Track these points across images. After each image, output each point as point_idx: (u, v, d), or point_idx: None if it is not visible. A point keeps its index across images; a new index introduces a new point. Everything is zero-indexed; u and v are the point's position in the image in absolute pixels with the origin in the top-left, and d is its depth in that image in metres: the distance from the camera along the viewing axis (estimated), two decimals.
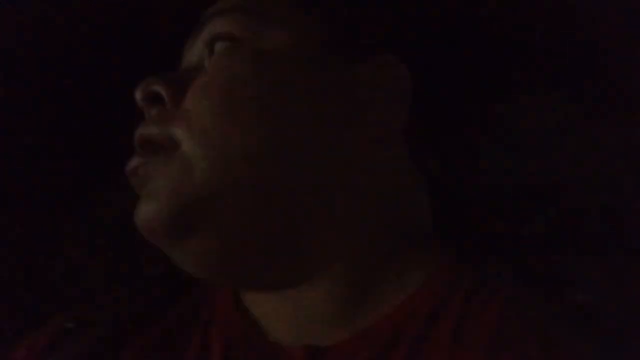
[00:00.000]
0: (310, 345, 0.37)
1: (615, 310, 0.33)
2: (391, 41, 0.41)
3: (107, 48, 0.63)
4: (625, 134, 0.48)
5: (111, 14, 0.61)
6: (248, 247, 0.36)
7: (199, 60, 0.40)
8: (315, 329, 0.37)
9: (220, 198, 0.35)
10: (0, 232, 0.65)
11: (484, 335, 0.33)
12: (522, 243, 0.46)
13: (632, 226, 0.47)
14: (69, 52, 0.63)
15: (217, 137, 0.35)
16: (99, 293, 0.60)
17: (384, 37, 0.41)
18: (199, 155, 0.35)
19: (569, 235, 0.47)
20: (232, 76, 0.37)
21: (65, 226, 0.66)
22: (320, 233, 0.37)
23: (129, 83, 0.39)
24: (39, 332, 0.44)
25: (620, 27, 0.47)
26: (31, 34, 0.62)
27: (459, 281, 0.37)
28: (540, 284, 0.36)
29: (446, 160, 0.42)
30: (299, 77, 0.37)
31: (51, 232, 0.67)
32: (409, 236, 0.39)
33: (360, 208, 0.37)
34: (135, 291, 0.48)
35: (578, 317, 0.32)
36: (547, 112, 0.49)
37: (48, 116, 0.66)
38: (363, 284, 0.37)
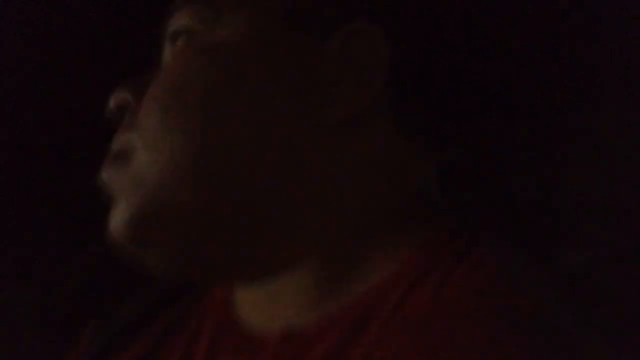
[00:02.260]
0: (285, 329, 0.36)
1: (603, 273, 0.32)
2: (363, 5, 0.36)
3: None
4: None
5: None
6: (211, 247, 0.36)
7: (164, 62, 0.39)
8: (290, 315, 0.37)
9: (172, 205, 0.34)
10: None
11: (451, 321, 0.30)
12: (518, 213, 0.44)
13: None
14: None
15: (163, 140, 0.34)
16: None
17: (352, 3, 0.37)
18: (149, 162, 0.35)
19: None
20: (179, 74, 0.36)
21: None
22: (288, 226, 0.35)
23: None
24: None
25: None
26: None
27: (438, 260, 0.35)
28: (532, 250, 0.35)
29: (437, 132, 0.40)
30: (253, 65, 0.35)
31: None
32: (385, 218, 0.37)
33: (329, 196, 0.36)
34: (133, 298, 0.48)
35: (565, 283, 0.32)
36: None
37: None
38: (335, 271, 0.36)
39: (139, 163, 0.35)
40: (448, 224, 0.37)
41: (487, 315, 0.29)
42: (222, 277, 0.39)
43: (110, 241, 0.37)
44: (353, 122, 0.35)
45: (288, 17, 0.35)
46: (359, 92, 0.34)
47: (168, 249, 0.36)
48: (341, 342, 0.33)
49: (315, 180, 0.35)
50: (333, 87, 0.35)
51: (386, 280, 0.34)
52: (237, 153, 0.34)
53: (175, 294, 0.45)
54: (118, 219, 0.35)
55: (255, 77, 0.35)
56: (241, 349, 0.37)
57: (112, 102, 0.38)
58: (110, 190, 0.37)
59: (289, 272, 0.36)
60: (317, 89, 0.35)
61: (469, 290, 0.31)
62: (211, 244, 0.36)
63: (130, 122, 0.37)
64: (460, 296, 0.31)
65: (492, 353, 0.27)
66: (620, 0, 0.45)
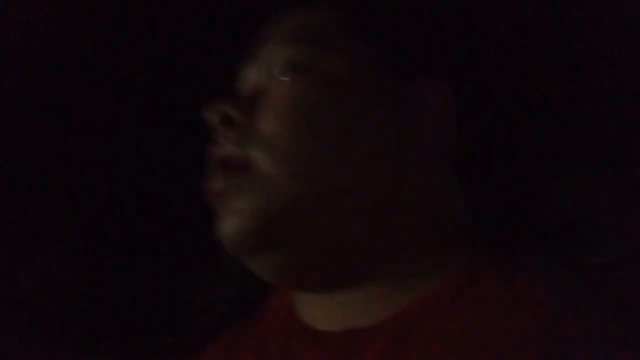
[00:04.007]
0: (346, 329, 0.40)
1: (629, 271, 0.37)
2: (437, 64, 0.43)
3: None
4: None
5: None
6: (320, 255, 0.39)
7: (260, 85, 0.42)
8: (348, 318, 0.40)
9: (299, 213, 0.38)
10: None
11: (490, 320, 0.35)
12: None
13: None
14: None
15: (296, 157, 0.38)
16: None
17: (430, 60, 0.43)
18: (280, 174, 0.38)
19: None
20: (304, 101, 0.40)
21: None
22: (377, 240, 0.40)
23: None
24: None
25: None
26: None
27: (476, 279, 0.39)
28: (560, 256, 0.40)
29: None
30: (359, 100, 0.40)
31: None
32: (438, 240, 0.41)
33: (408, 216, 0.40)
34: (219, 305, 0.54)
35: (592, 285, 0.36)
36: None
37: None
38: (392, 284, 0.40)
39: (270, 175, 0.38)
40: (485, 246, 0.42)
41: (526, 328, 0.33)
42: (312, 285, 0.42)
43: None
44: (433, 157, 0.41)
45: (378, 64, 0.41)
46: (439, 137, 0.40)
47: (285, 254, 0.39)
48: (390, 345, 0.37)
49: (397, 204, 0.40)
50: (417, 127, 0.40)
51: (431, 294, 0.39)
52: (353, 170, 0.39)
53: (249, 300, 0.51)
54: (242, 224, 0.38)
55: (361, 108, 0.40)
56: (310, 344, 0.42)
57: (216, 116, 0.41)
58: (222, 199, 0.39)
59: (358, 283, 0.40)
60: (405, 127, 0.40)
61: (503, 306, 0.35)
62: (320, 252, 0.39)
63: (241, 138, 0.39)
64: (497, 312, 0.35)
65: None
66: None
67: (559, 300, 0.34)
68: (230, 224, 0.38)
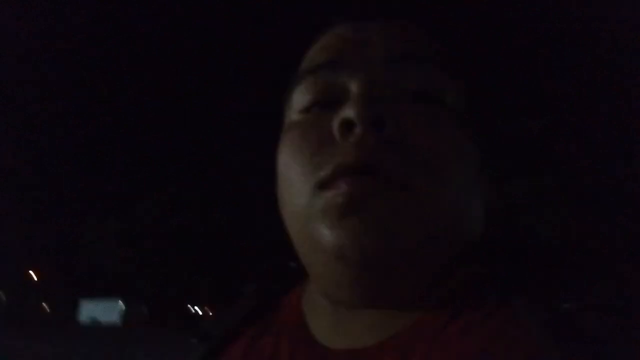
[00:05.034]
0: (351, 348, 0.41)
1: (595, 317, 0.37)
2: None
3: None
4: None
5: None
6: (413, 282, 0.40)
7: (387, 91, 0.41)
8: (356, 335, 0.42)
9: (435, 240, 0.38)
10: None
11: (484, 341, 0.37)
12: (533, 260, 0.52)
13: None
14: None
15: (447, 185, 0.39)
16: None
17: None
18: (434, 200, 0.38)
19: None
20: (449, 134, 0.41)
21: None
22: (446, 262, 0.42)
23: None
24: None
25: None
26: None
27: (466, 302, 0.41)
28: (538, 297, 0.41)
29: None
30: (465, 134, 0.43)
31: None
32: (455, 259, 0.43)
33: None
34: (236, 308, 0.55)
35: (563, 325, 0.37)
36: None
37: None
38: (406, 302, 0.41)
39: (425, 198, 0.38)
40: (476, 268, 0.44)
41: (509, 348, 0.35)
42: (378, 304, 0.41)
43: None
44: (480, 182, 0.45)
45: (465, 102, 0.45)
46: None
47: (394, 278, 0.38)
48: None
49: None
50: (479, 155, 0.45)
51: (427, 314, 0.40)
52: (465, 202, 0.41)
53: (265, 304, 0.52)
54: (387, 242, 0.36)
55: (466, 141, 0.43)
56: (314, 358, 0.43)
57: (368, 118, 0.38)
58: (354, 204, 0.37)
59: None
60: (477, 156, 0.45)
61: (490, 332, 0.37)
62: (415, 279, 0.40)
63: (400, 153, 0.38)
64: (484, 336, 0.37)
65: None
66: None
67: (536, 342, 0.35)
68: (369, 240, 0.36)
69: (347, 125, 0.38)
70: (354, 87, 0.41)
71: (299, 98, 0.46)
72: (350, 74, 0.42)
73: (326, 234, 0.38)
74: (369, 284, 0.38)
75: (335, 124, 0.39)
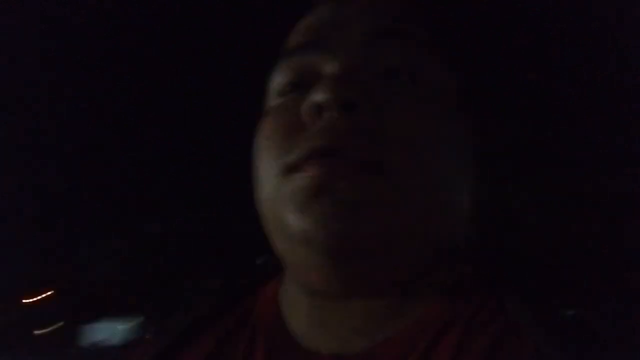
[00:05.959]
0: (337, 353, 0.39)
1: (601, 324, 0.36)
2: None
3: None
4: None
5: None
6: (389, 271, 0.38)
7: (366, 66, 0.39)
8: (343, 338, 0.39)
9: (412, 227, 0.37)
10: None
11: (484, 349, 0.36)
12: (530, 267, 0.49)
13: None
14: None
15: (426, 168, 0.37)
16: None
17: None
18: (411, 184, 0.36)
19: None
20: (429, 115, 0.39)
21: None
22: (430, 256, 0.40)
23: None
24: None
25: None
26: None
27: (469, 298, 0.40)
28: (540, 303, 0.39)
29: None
30: (447, 113, 0.41)
31: None
32: (443, 255, 0.41)
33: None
34: (197, 302, 0.51)
35: (566, 333, 0.35)
36: None
37: None
38: (399, 299, 0.39)
39: (402, 181, 0.36)
40: (470, 272, 0.42)
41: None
42: (365, 293, 0.39)
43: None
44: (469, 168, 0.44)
45: (456, 84, 0.44)
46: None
47: (372, 265, 0.36)
48: None
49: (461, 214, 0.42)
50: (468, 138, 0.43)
51: (419, 321, 0.39)
52: (450, 183, 0.40)
53: (232, 300, 0.48)
54: (355, 225, 0.34)
55: (449, 121, 0.41)
56: None
57: (339, 99, 0.36)
58: (324, 187, 0.35)
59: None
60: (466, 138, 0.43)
61: (486, 341, 0.36)
62: (390, 268, 0.38)
63: (373, 135, 0.36)
64: (478, 345, 0.36)
65: None
66: None
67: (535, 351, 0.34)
68: (338, 224, 0.34)
69: (317, 109, 0.37)
70: (327, 68, 0.40)
71: (276, 82, 0.44)
72: (325, 55, 0.41)
73: (292, 218, 0.36)
74: (340, 271, 0.36)
75: (305, 108, 0.38)
